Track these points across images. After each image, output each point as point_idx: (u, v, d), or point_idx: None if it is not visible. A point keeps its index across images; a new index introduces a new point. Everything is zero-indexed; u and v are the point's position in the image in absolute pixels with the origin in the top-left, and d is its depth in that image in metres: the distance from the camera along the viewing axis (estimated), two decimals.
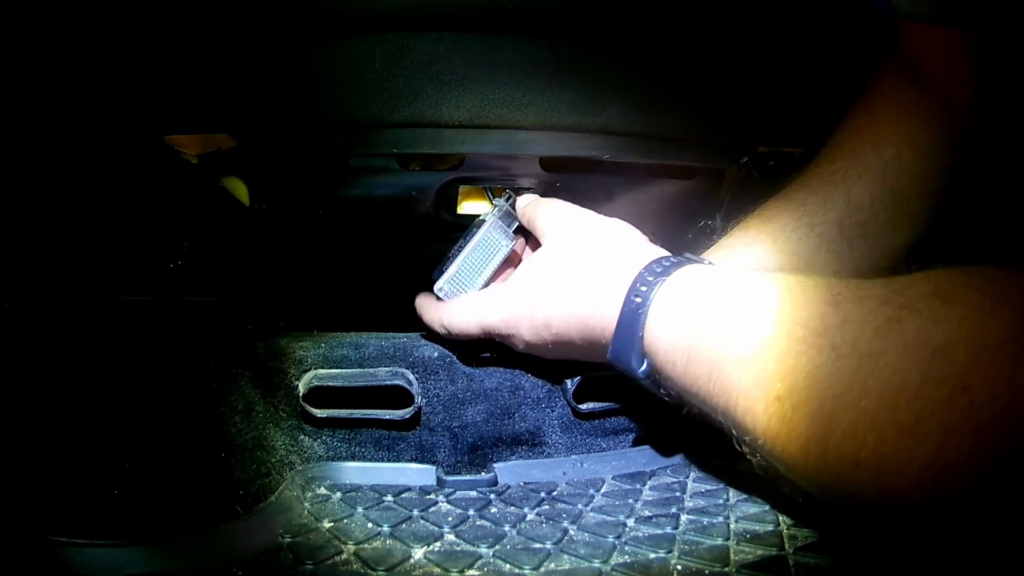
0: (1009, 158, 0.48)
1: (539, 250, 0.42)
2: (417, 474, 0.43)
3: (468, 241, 0.46)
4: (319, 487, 0.41)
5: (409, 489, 0.41)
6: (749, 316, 0.29)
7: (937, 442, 0.21)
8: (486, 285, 0.46)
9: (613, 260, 0.38)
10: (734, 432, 0.31)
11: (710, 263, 0.36)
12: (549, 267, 0.40)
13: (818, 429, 0.25)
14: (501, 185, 0.48)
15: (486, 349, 0.45)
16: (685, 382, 0.32)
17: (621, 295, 0.35)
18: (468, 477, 0.43)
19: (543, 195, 0.48)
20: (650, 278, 0.34)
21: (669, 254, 0.37)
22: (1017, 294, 0.22)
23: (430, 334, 0.46)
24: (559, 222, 0.42)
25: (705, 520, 0.36)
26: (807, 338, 0.26)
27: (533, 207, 0.45)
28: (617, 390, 0.47)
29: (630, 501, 0.39)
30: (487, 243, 0.46)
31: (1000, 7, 0.41)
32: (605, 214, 0.43)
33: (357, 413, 0.43)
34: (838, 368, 0.24)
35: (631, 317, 0.34)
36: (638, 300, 0.34)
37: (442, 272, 0.46)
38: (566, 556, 0.32)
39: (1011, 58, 0.43)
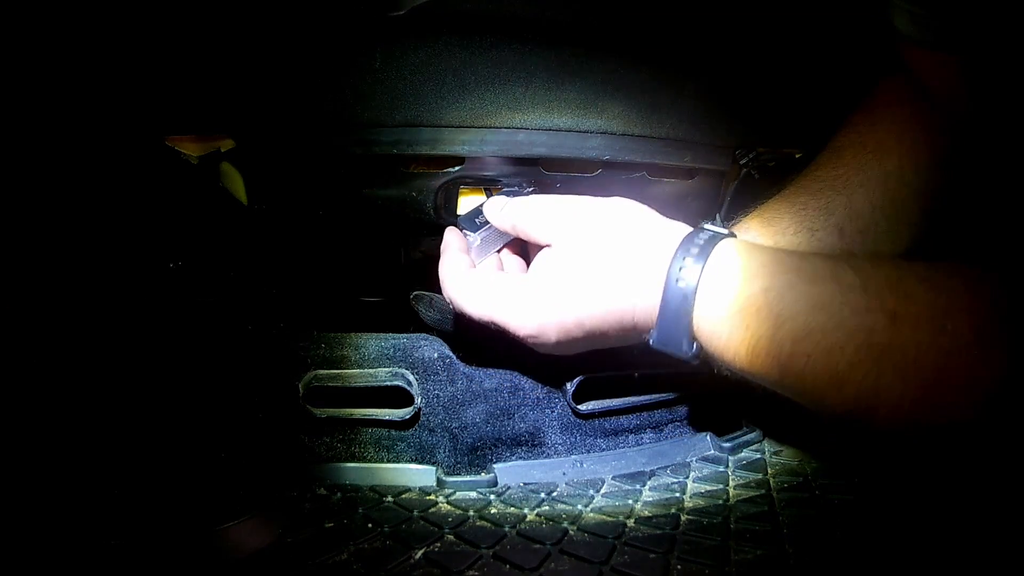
0: (1006, 174, 0.48)
1: (548, 251, 0.40)
2: (417, 475, 0.43)
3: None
4: (319, 487, 0.41)
5: (409, 490, 0.41)
6: (802, 285, 0.31)
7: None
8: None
9: (638, 245, 0.36)
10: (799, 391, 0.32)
11: (732, 234, 0.36)
12: (569, 267, 0.38)
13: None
14: (501, 185, 0.48)
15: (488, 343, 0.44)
16: (741, 355, 0.33)
17: (659, 281, 0.35)
18: (468, 478, 0.43)
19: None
20: (689, 257, 0.34)
21: (689, 228, 0.37)
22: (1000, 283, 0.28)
23: (430, 334, 0.46)
24: (560, 219, 0.40)
25: (705, 520, 0.36)
26: (864, 302, 0.30)
27: (514, 211, 0.42)
28: (617, 390, 0.47)
29: (630, 501, 0.39)
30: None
31: (998, 35, 0.41)
32: None
33: (357, 413, 0.43)
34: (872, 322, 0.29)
35: (677, 303, 0.34)
36: (683, 285, 0.34)
37: (475, 221, 0.45)
38: (566, 556, 0.32)
39: (1010, 81, 0.43)
